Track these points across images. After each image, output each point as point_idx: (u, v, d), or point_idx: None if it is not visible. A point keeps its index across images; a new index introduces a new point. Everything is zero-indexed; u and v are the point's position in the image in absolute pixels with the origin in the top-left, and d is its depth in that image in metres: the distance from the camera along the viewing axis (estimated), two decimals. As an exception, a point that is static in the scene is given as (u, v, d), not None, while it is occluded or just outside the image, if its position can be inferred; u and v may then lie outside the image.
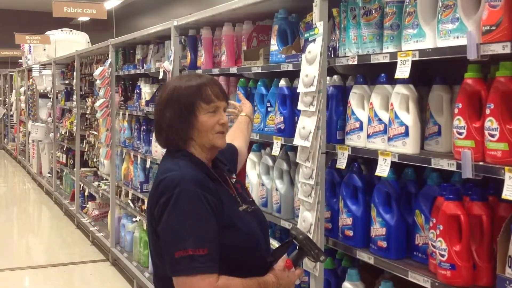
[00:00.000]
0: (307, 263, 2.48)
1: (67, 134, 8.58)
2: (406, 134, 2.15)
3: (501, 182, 1.72)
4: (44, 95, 10.49)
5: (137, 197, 5.32)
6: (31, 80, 11.39)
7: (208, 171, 1.93)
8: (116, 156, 5.78)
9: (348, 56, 2.40)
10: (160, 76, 4.14)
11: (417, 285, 2.08)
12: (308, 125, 2.47)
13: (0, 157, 15.24)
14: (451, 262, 1.90)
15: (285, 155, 2.95)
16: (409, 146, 2.14)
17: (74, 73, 7.66)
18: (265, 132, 3.03)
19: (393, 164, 2.20)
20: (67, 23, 14.92)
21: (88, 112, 7.23)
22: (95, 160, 7.12)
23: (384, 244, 2.25)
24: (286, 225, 2.83)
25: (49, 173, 9.83)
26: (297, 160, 2.57)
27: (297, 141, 2.55)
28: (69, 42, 10.77)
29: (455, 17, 1.91)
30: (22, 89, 12.70)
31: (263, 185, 3.05)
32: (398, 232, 2.24)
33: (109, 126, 5.65)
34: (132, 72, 5.28)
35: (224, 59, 3.50)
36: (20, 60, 14.56)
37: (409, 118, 2.16)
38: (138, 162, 5.12)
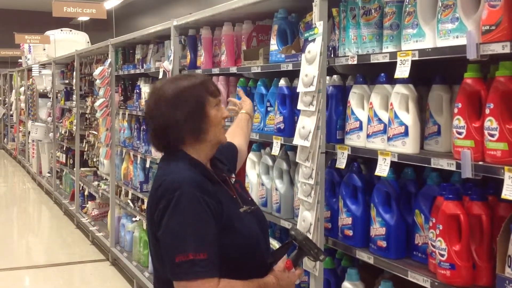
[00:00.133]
0: (307, 262, 2.48)
1: (66, 134, 8.57)
2: (405, 134, 2.15)
3: (501, 182, 1.72)
4: (43, 95, 10.49)
5: (136, 196, 5.32)
6: (30, 79, 11.38)
7: (207, 173, 1.92)
8: (116, 155, 5.78)
9: (348, 56, 2.40)
10: (160, 76, 4.14)
11: (417, 285, 2.08)
12: (307, 124, 2.47)
13: (0, 157, 15.24)
14: (450, 261, 1.90)
15: (284, 155, 2.95)
16: (408, 146, 2.14)
17: (74, 72, 7.66)
18: (264, 132, 3.02)
19: (392, 163, 2.20)
20: (67, 23, 14.93)
21: (88, 111, 7.23)
22: (94, 159, 7.11)
23: (383, 243, 2.25)
24: (286, 224, 2.83)
25: (48, 172, 9.83)
26: (297, 160, 2.57)
27: (296, 140, 2.55)
28: (68, 42, 10.78)
29: (455, 17, 1.91)
30: (22, 89, 12.69)
31: (262, 185, 3.05)
32: (397, 231, 2.24)
33: (109, 125, 5.65)
34: (132, 72, 5.27)
35: (223, 59, 3.50)
36: (20, 60, 14.56)
37: (409, 118, 2.16)
38: (138, 161, 5.12)
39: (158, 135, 1.96)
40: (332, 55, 2.54)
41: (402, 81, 2.18)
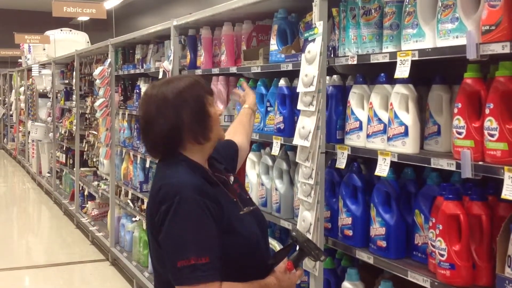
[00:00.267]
0: (307, 263, 2.48)
1: (66, 134, 8.57)
2: (405, 134, 2.15)
3: (501, 181, 1.72)
4: (43, 95, 10.49)
5: (136, 196, 5.31)
6: (30, 79, 11.38)
7: (206, 175, 1.91)
8: (116, 155, 5.78)
9: (348, 56, 2.40)
10: (160, 76, 4.14)
11: (417, 285, 2.08)
12: (307, 124, 2.47)
13: (0, 157, 15.24)
14: (450, 261, 1.90)
15: (284, 155, 2.95)
16: (408, 146, 2.14)
17: (74, 72, 7.66)
18: (264, 132, 3.02)
19: (392, 163, 2.20)
20: (67, 22, 14.93)
21: (87, 111, 7.23)
22: (94, 159, 7.11)
23: (383, 243, 2.25)
24: (286, 224, 2.83)
25: (48, 172, 9.82)
26: (297, 160, 2.57)
27: (296, 140, 2.55)
28: (68, 42, 10.78)
29: (455, 16, 1.91)
30: (22, 89, 12.69)
31: (262, 185, 3.05)
32: (397, 231, 2.24)
33: (109, 125, 5.65)
34: (132, 71, 5.27)
35: (223, 59, 3.50)
36: (19, 60, 14.56)
37: (409, 118, 2.16)
38: (138, 161, 5.12)
39: (158, 142, 1.91)
40: (332, 55, 2.54)
41: (402, 81, 2.18)
